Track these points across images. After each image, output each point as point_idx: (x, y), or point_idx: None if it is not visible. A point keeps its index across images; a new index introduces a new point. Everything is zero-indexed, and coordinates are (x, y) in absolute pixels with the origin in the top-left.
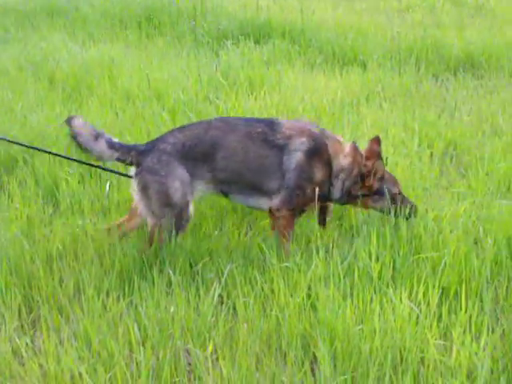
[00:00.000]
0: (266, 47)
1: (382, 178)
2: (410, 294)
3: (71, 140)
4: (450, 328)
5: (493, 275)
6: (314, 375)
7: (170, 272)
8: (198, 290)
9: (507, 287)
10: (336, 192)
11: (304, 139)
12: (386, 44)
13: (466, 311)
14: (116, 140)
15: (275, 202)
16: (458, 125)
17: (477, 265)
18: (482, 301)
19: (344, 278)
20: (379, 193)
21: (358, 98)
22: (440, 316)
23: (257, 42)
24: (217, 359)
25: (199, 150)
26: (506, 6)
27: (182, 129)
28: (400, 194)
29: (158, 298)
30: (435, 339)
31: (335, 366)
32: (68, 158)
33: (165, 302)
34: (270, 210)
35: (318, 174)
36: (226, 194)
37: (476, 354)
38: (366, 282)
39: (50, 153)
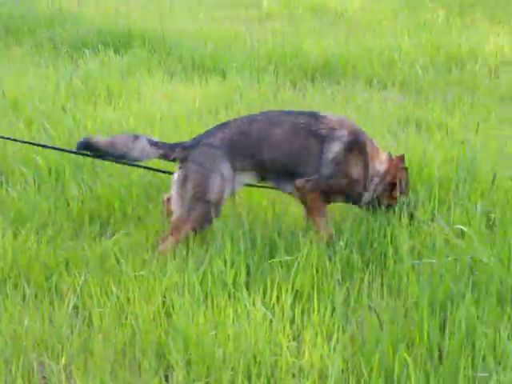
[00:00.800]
0: (125, 56)
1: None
2: (264, 298)
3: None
4: (303, 330)
5: (345, 277)
6: (168, 382)
7: (25, 285)
8: (52, 301)
9: (359, 289)
10: (367, 195)
11: (345, 132)
12: (246, 52)
13: (318, 313)
14: (156, 139)
15: (302, 181)
16: None
17: (329, 267)
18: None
19: (200, 284)
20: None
21: (216, 107)
22: (294, 319)
23: (117, 50)
24: (71, 371)
25: (246, 143)
26: (364, 15)
27: (226, 124)
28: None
29: (12, 311)
30: (288, 341)
31: (188, 372)
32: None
33: (19, 315)
34: (296, 188)
35: (354, 168)
36: (264, 180)
37: (327, 354)
38: (220, 288)
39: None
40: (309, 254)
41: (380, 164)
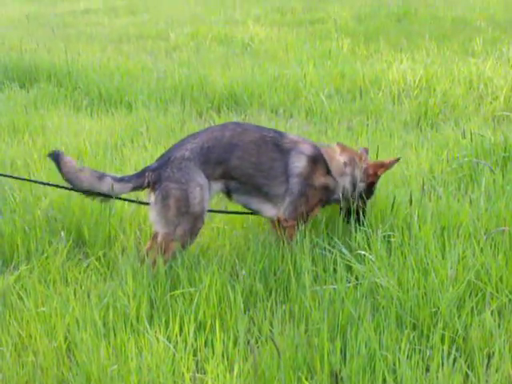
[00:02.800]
0: (31, 90)
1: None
2: (167, 330)
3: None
4: (206, 361)
5: (249, 306)
6: None
7: None
8: None
9: (262, 317)
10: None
11: (308, 145)
12: (152, 84)
13: (220, 343)
14: (118, 175)
15: (281, 212)
16: None
17: (232, 297)
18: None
19: (102, 319)
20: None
21: (122, 140)
22: (197, 350)
23: (22, 85)
24: None
25: (217, 151)
26: (270, 44)
27: (195, 134)
28: None
29: None
30: (191, 373)
31: None
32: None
33: None
34: (278, 220)
35: (319, 178)
36: (229, 194)
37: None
38: (123, 322)
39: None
40: (211, 284)
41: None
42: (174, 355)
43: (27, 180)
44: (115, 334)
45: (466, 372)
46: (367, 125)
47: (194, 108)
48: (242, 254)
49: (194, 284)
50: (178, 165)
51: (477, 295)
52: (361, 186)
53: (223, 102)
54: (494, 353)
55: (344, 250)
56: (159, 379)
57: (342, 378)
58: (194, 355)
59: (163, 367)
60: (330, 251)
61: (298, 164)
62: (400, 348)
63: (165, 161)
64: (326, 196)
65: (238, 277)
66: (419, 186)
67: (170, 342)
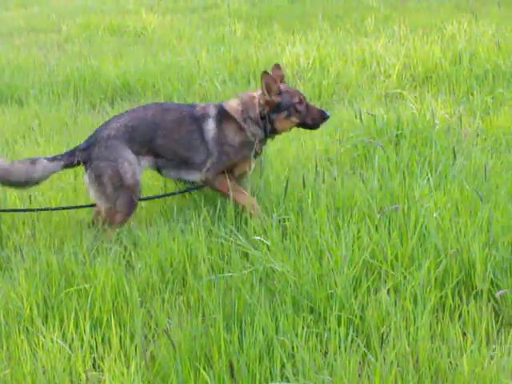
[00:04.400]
0: None
1: (279, 93)
2: (61, 329)
3: None
4: (103, 359)
5: (145, 299)
6: None
7: None
8: None
9: (160, 310)
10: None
11: (212, 108)
12: (44, 78)
13: (117, 339)
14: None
15: (204, 173)
16: None
17: (128, 291)
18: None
19: None
20: (284, 107)
21: (13, 137)
22: (94, 347)
23: None
24: None
25: (141, 130)
26: (163, 33)
27: (120, 115)
28: (301, 102)
29: None
30: (87, 372)
31: None
32: None
33: None
34: (203, 181)
35: (232, 134)
36: (159, 170)
37: (128, 380)
38: (16, 324)
39: None
40: (106, 279)
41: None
42: (70, 355)
43: None
44: (8, 337)
45: (364, 351)
46: None
47: (87, 100)
48: (138, 246)
49: (88, 280)
50: (105, 143)
51: (373, 274)
52: (267, 119)
53: (117, 93)
54: (390, 330)
55: (239, 237)
56: (54, 380)
57: (240, 367)
58: (91, 353)
59: (59, 367)
60: (225, 239)
61: (209, 127)
62: (297, 333)
63: (93, 141)
64: (249, 148)
65: (133, 270)
66: (313, 169)
67: (65, 341)
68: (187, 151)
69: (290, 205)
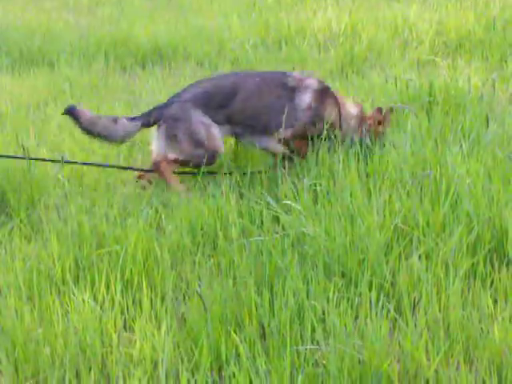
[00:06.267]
0: None
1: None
2: (92, 290)
3: (83, 131)
4: (134, 320)
5: (176, 261)
6: None
7: None
8: None
9: (190, 272)
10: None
11: (314, 81)
12: (75, 41)
13: (148, 301)
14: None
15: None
16: None
17: (159, 253)
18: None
19: (28, 282)
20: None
21: (45, 99)
22: (124, 309)
23: None
24: None
25: (219, 95)
26: None
27: (201, 80)
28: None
29: None
30: (119, 332)
31: (17, 372)
32: None
33: None
34: (281, 139)
35: (327, 112)
36: (238, 136)
37: (158, 342)
38: (48, 284)
39: None
40: (137, 241)
41: (350, 107)
42: (101, 315)
43: None
44: (40, 298)
45: (395, 317)
46: None
47: (117, 64)
48: (169, 208)
49: (119, 242)
50: (182, 105)
51: (404, 240)
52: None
53: (147, 57)
54: (421, 297)
55: (270, 201)
56: (86, 340)
57: (271, 331)
58: (122, 314)
59: (90, 328)
60: (256, 203)
61: (306, 97)
62: (328, 297)
63: (170, 101)
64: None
65: (164, 232)
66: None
67: (96, 303)
68: (269, 116)
69: (321, 170)
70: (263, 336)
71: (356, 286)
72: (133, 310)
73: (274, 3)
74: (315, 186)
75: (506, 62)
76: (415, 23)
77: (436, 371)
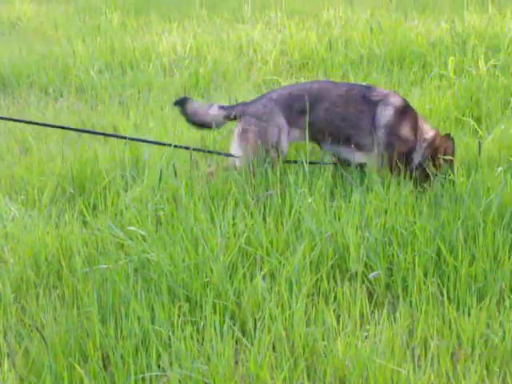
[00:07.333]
0: None
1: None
2: None
3: (188, 122)
4: None
5: (21, 295)
6: None
7: None
8: None
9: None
10: (417, 156)
11: (397, 98)
12: None
13: None
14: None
15: (376, 163)
16: None
17: (1, 287)
18: None
19: None
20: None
21: None
22: None
23: None
24: None
25: (303, 100)
26: (38, 23)
27: (287, 86)
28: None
29: None
30: None
31: None
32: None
33: None
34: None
35: (406, 130)
36: (318, 143)
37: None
38: None
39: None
40: None
41: (427, 130)
42: None
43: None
44: None
45: (240, 338)
46: (138, 98)
47: None
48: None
49: None
50: (265, 103)
51: (248, 261)
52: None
53: None
54: (265, 316)
55: (114, 228)
56: None
57: (115, 360)
58: None
59: None
60: (99, 230)
61: (387, 113)
62: (173, 322)
63: (256, 99)
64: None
65: (6, 265)
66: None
67: None
68: (351, 129)
69: (165, 194)
70: (105, 366)
71: (201, 310)
72: None
73: (120, 27)
74: (159, 210)
75: (347, 79)
76: (260, 43)
77: None
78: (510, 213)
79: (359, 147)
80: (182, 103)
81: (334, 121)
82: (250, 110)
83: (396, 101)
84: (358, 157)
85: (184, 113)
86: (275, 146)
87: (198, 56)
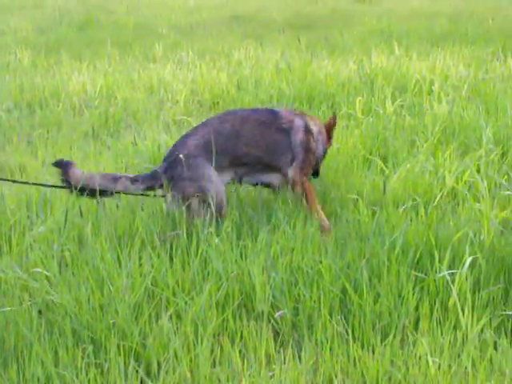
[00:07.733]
0: None
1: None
2: None
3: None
4: None
5: None
6: None
7: None
8: None
9: None
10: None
11: (300, 121)
12: None
13: None
14: (132, 175)
15: (291, 173)
16: None
17: None
18: None
19: None
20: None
21: None
22: None
23: None
24: None
25: (221, 143)
26: None
27: (194, 130)
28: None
29: None
30: None
31: None
32: None
33: None
34: (292, 181)
35: (312, 143)
36: (240, 179)
37: None
38: None
39: None
40: None
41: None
42: None
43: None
44: None
45: (145, 379)
46: (47, 138)
47: None
48: None
49: None
50: (187, 162)
51: (154, 301)
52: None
53: None
54: (170, 357)
55: (17, 270)
56: None
57: None
58: None
59: None
60: (3, 271)
61: (299, 136)
62: (77, 365)
63: (173, 160)
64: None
65: None
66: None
67: None
68: (272, 155)
69: (71, 234)
70: None
71: (106, 351)
72: None
73: (30, 65)
74: (63, 251)
75: None
76: (170, 83)
77: None
78: (413, 251)
79: (278, 168)
80: (64, 166)
81: (256, 153)
82: (177, 173)
83: (301, 124)
84: (276, 178)
85: (67, 179)
86: (217, 197)
87: (108, 95)
